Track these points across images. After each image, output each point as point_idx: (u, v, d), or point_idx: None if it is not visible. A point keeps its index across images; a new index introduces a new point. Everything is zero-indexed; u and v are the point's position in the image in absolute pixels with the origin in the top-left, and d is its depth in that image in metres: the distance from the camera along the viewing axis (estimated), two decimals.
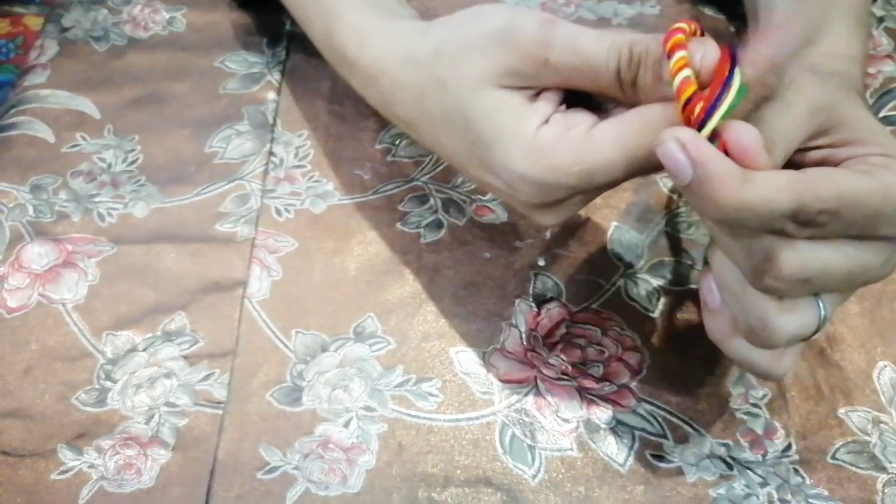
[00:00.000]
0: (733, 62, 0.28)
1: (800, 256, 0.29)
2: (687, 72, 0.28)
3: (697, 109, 0.28)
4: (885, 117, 0.49)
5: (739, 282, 0.32)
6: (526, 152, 0.33)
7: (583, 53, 0.32)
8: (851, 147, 0.32)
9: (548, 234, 0.45)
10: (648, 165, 0.31)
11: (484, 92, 0.34)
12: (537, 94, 0.34)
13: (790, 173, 0.28)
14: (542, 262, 0.44)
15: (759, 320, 0.31)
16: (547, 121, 0.33)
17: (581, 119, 0.33)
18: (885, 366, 0.40)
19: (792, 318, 0.31)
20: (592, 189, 0.34)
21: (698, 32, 0.30)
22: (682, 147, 0.28)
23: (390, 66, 0.38)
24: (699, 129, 0.28)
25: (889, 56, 0.52)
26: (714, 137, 0.28)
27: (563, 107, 0.34)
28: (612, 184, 0.33)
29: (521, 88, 0.34)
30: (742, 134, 0.28)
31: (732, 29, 0.55)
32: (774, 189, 0.28)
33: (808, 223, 0.29)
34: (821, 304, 0.32)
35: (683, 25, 0.30)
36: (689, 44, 0.29)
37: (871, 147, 0.31)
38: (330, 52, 0.43)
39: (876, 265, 0.31)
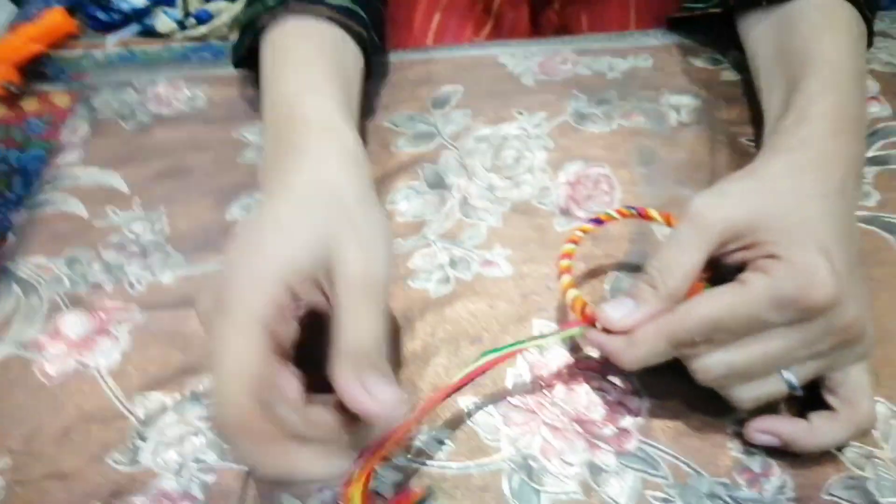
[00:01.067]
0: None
1: (705, 365, 0.38)
2: (574, 292, 0.41)
3: (588, 312, 0.40)
4: (872, 157, 0.51)
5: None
6: None
7: None
8: (755, 248, 0.38)
9: (551, 286, 0.48)
10: None
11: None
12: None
13: (660, 322, 0.38)
14: (546, 312, 0.46)
15: (721, 393, 0.39)
16: None
17: None
18: (877, 402, 0.41)
19: (748, 388, 0.38)
20: None
21: (580, 242, 0.44)
22: (589, 340, 0.40)
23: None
24: (594, 324, 0.40)
25: (875, 98, 0.54)
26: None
27: None
28: None
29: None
30: (604, 321, 0.39)
31: (723, 79, 0.57)
32: (649, 342, 0.38)
33: (693, 345, 0.37)
34: (783, 375, 0.38)
35: (569, 247, 0.43)
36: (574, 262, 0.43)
37: (764, 247, 0.37)
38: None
39: (802, 343, 0.36)
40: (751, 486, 0.40)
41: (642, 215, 0.44)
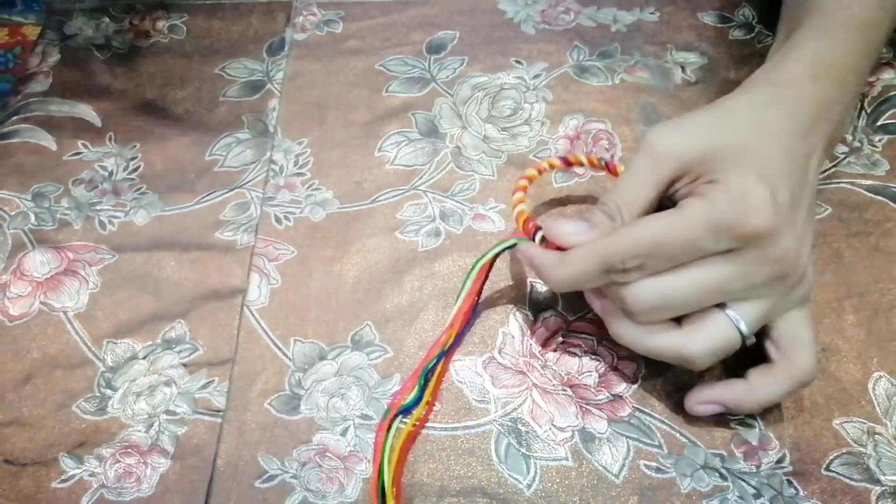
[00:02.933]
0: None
1: (637, 293, 0.36)
2: (521, 206, 0.41)
3: (530, 226, 0.40)
4: (882, 126, 0.49)
5: (640, 332, 0.37)
6: None
7: None
8: (701, 179, 0.36)
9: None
10: None
11: None
12: None
13: (595, 242, 0.36)
14: None
15: (673, 352, 0.37)
16: None
17: None
18: (881, 377, 0.40)
19: (699, 338, 0.36)
20: None
21: (544, 173, 0.45)
22: (521, 253, 0.40)
23: None
24: (534, 238, 0.39)
25: (888, 64, 0.52)
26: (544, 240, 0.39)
27: None
28: None
29: None
30: (551, 234, 0.38)
31: (732, 37, 0.55)
32: (581, 260, 0.36)
33: (626, 271, 0.35)
34: (731, 316, 0.36)
35: (532, 172, 0.43)
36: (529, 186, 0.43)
37: (708, 175, 0.36)
38: None
39: (735, 275, 0.35)
40: (748, 459, 0.38)
41: (610, 170, 0.43)
